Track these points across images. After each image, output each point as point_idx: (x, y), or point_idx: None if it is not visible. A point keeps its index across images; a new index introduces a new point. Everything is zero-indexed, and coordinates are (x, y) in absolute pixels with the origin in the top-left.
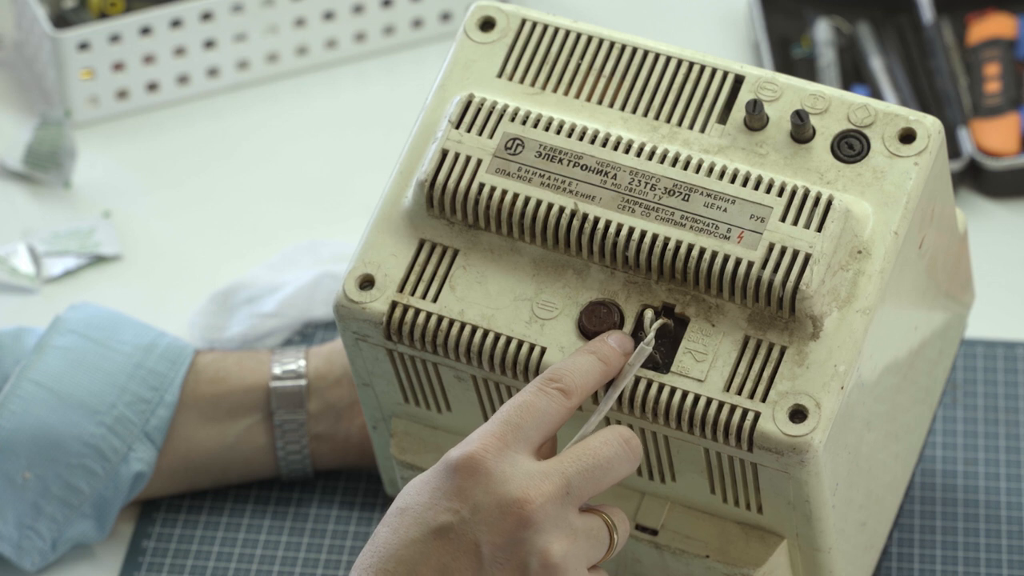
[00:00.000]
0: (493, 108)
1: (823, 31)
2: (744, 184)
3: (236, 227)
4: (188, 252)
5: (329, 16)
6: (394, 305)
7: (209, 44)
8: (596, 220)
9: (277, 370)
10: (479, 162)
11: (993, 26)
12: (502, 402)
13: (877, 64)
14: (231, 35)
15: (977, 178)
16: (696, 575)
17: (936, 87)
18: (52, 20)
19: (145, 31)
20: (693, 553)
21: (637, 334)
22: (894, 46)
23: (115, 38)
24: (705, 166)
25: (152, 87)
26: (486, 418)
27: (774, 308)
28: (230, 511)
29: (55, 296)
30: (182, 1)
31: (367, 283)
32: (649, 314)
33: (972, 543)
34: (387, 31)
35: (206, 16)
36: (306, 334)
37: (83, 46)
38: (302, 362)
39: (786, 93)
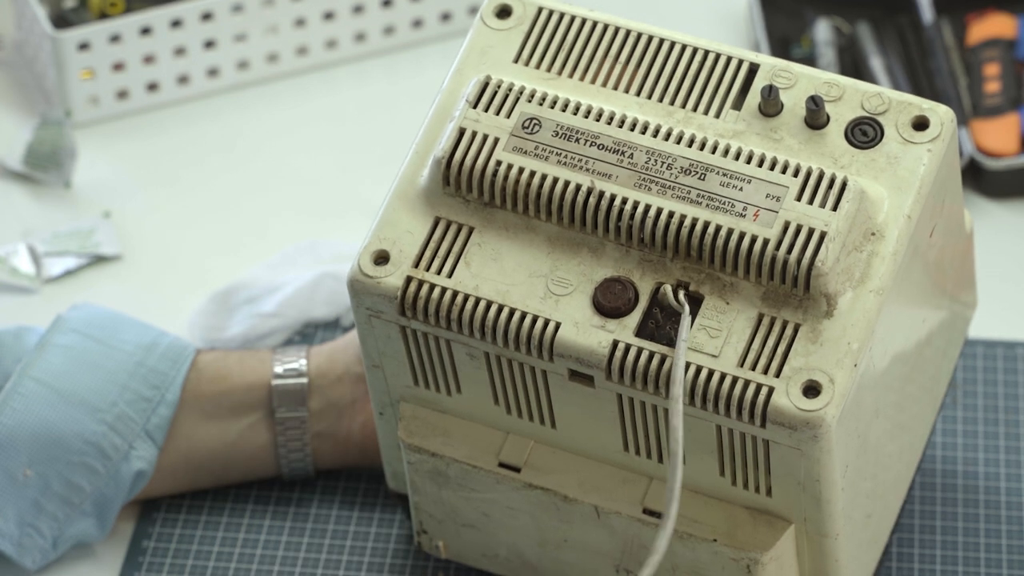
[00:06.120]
0: (511, 89)
1: (823, 31)
2: (760, 165)
3: (236, 227)
4: (188, 252)
5: (329, 16)
6: (409, 280)
7: (209, 44)
8: (612, 197)
9: (279, 368)
10: (496, 140)
11: (993, 26)
12: (513, 381)
13: (877, 64)
14: (231, 35)
15: (977, 178)
16: (702, 560)
17: (936, 87)
18: (52, 20)
19: (145, 31)
20: (700, 537)
21: (651, 311)
22: (894, 46)
23: (115, 38)
24: (721, 147)
25: (152, 87)
26: (495, 399)
27: (789, 286)
28: (230, 511)
29: (55, 296)
30: (182, 1)
31: (382, 259)
32: (668, 289)
33: (972, 543)
34: (387, 31)
35: (206, 16)
36: (306, 334)
37: (83, 46)
38: (303, 360)
39: (800, 81)
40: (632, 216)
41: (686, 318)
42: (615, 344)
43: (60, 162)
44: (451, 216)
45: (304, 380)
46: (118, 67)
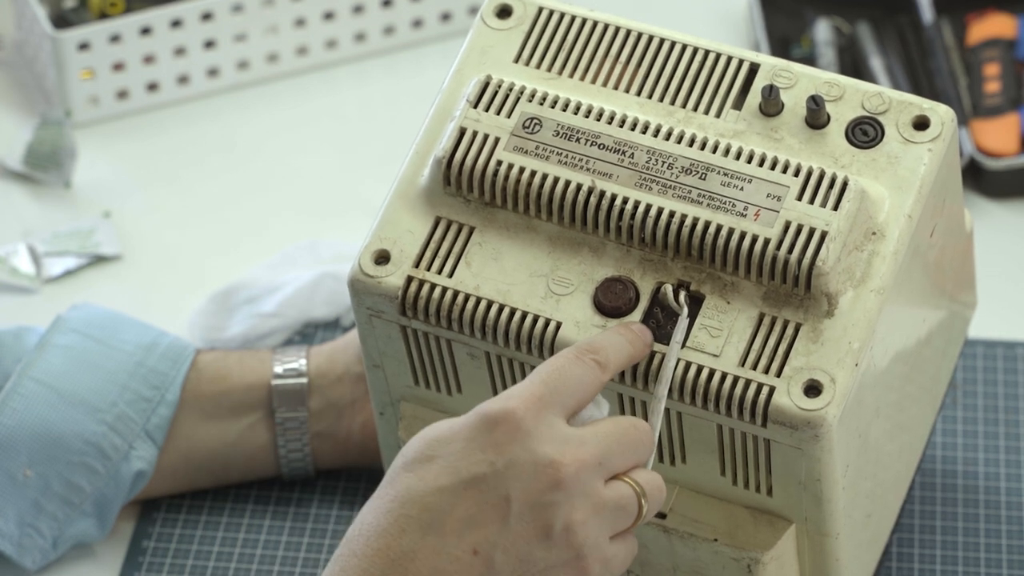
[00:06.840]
0: (511, 89)
1: (823, 31)
2: (761, 164)
3: (236, 227)
4: (188, 252)
5: (329, 16)
6: (409, 280)
7: (209, 44)
8: (613, 197)
9: (278, 368)
10: (497, 140)
11: (993, 26)
12: (514, 381)
13: (877, 64)
14: (231, 35)
15: (977, 178)
16: (703, 560)
17: (936, 87)
18: (52, 20)
19: (145, 31)
20: (701, 537)
21: (652, 311)
22: (894, 46)
23: (115, 38)
24: (722, 147)
25: (152, 87)
26: None
27: (790, 285)
28: (230, 511)
29: (55, 296)
30: (182, 1)
31: (382, 258)
32: (669, 289)
33: (972, 543)
34: (387, 31)
35: (206, 16)
36: (306, 334)
37: (83, 46)
38: (303, 360)
39: (801, 80)
40: (633, 216)
41: (683, 321)
42: None
43: (60, 162)
44: (452, 216)
45: (304, 380)
46: (118, 67)
